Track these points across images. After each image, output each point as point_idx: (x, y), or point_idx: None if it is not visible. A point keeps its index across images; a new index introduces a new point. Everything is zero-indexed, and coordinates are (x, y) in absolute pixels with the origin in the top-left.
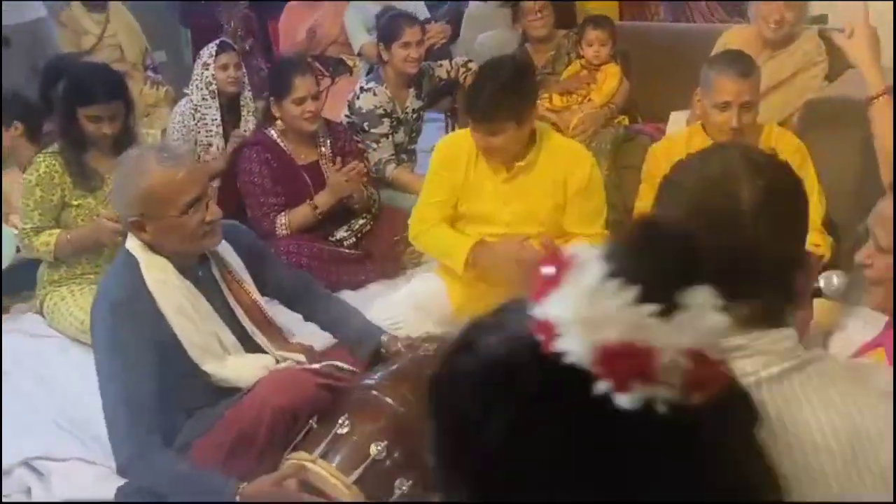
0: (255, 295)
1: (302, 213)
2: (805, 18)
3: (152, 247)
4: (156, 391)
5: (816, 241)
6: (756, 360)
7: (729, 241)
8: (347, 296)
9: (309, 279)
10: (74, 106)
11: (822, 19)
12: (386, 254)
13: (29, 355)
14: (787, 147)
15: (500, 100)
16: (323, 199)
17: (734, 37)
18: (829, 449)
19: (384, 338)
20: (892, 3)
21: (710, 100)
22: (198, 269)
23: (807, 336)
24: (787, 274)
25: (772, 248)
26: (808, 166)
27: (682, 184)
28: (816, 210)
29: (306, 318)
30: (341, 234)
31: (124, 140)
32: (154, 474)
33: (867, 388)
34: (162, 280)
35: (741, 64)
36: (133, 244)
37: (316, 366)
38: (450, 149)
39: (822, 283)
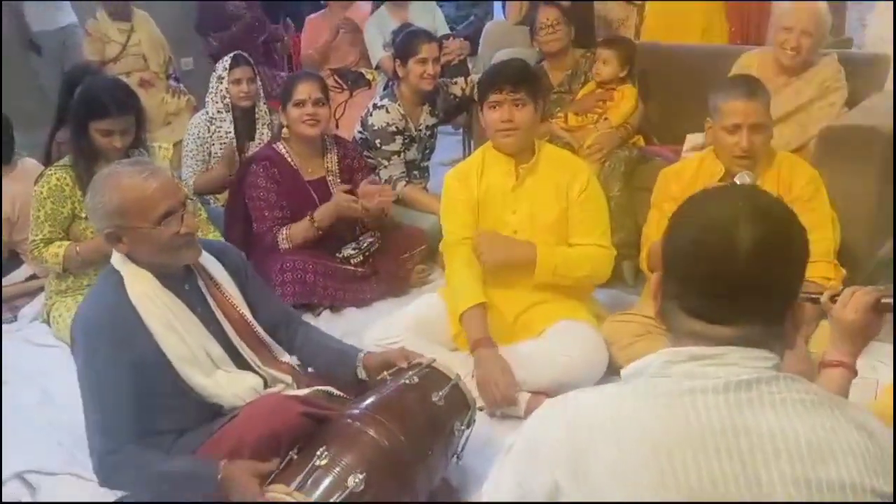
0: (244, 310)
1: (301, 227)
2: (823, 45)
3: (134, 260)
4: (133, 412)
5: (828, 273)
6: (729, 368)
7: (722, 274)
8: (352, 313)
9: (292, 312)
10: (86, 120)
11: (846, 43)
12: (393, 272)
13: (31, 364)
14: (801, 176)
15: (529, 71)
16: (321, 213)
17: (752, 60)
18: (788, 453)
19: (358, 362)
20: (892, 2)
21: (720, 123)
22: (183, 282)
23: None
24: (774, 310)
25: (761, 286)
26: (821, 196)
27: (688, 220)
28: (828, 241)
29: (287, 350)
30: (349, 251)
31: (136, 153)
32: (132, 482)
33: (841, 412)
34: (145, 293)
35: (747, 86)
36: (116, 259)
37: (303, 391)
38: (459, 171)
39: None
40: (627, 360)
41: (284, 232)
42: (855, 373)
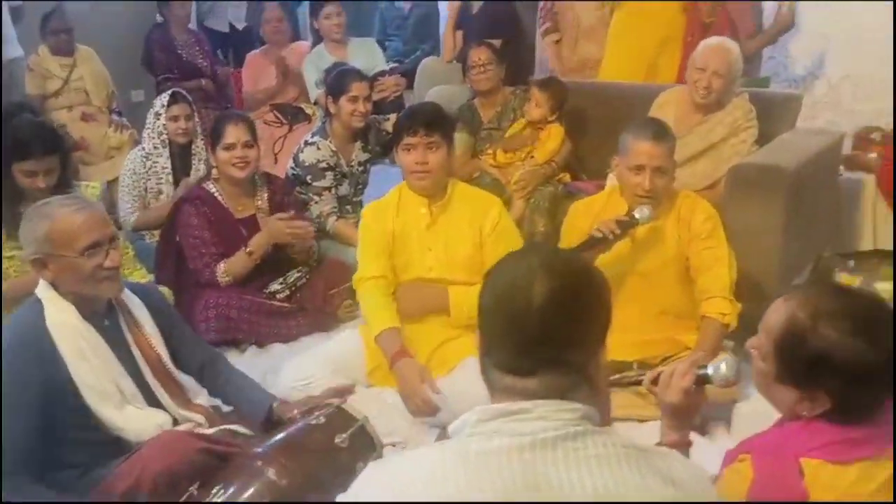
0: (161, 350)
1: (238, 260)
2: (736, 85)
3: (57, 290)
4: (35, 438)
5: (723, 308)
6: (535, 423)
7: (520, 328)
8: (278, 348)
9: (215, 354)
10: (9, 160)
11: (763, 82)
12: (320, 307)
13: None
14: (699, 214)
15: (443, 115)
16: (257, 243)
17: (670, 97)
18: None
19: (275, 404)
20: (892, 3)
21: (626, 163)
22: (104, 318)
23: (689, 415)
24: (575, 360)
25: (558, 338)
26: (718, 234)
27: (493, 279)
28: (725, 278)
29: (210, 393)
30: (275, 286)
31: (60, 193)
32: None
33: (647, 465)
34: (63, 321)
35: (655, 129)
36: (40, 287)
37: (210, 430)
38: (376, 206)
39: (710, 372)
40: None
41: (222, 266)
42: (690, 443)
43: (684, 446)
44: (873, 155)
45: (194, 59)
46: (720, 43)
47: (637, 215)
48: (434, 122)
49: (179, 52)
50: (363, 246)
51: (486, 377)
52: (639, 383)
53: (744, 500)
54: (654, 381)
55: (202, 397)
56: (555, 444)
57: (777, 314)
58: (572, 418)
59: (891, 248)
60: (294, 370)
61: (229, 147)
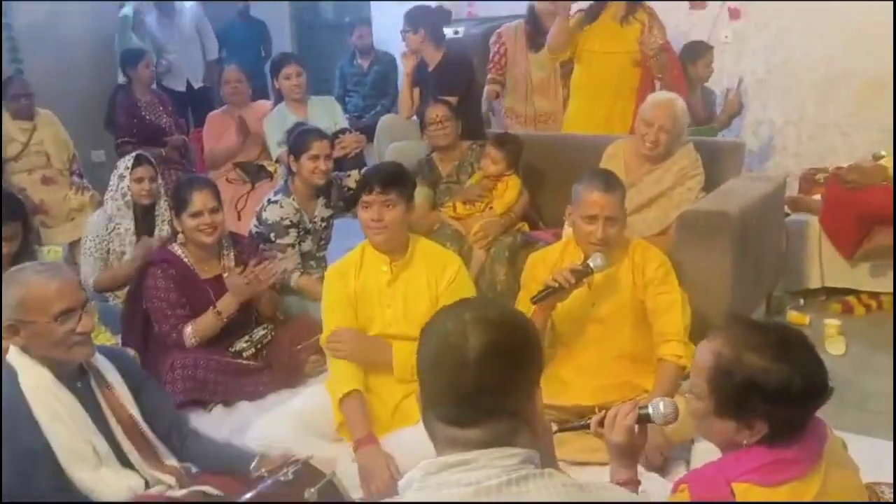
0: (133, 411)
1: (207, 321)
2: (683, 137)
3: (30, 354)
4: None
5: (678, 351)
6: (480, 472)
7: (459, 381)
8: (245, 406)
9: (183, 420)
10: None
11: (709, 132)
12: (287, 364)
13: None
14: (652, 261)
15: (399, 174)
16: (225, 303)
17: (620, 148)
18: None
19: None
20: (892, 2)
21: (579, 212)
22: (76, 381)
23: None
24: (513, 406)
25: (495, 388)
26: (671, 279)
27: (429, 334)
28: (679, 321)
29: (177, 456)
30: (241, 345)
31: (22, 258)
32: None
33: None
34: (38, 385)
35: (606, 180)
36: (12, 353)
37: (181, 492)
38: (338, 268)
39: (650, 411)
40: None
41: (189, 328)
42: (638, 482)
43: (633, 485)
44: (817, 197)
45: (158, 119)
46: (667, 98)
47: (591, 264)
48: (390, 180)
49: (143, 113)
50: (326, 308)
51: (429, 430)
52: (587, 427)
53: None
54: (601, 424)
55: (173, 458)
56: (499, 490)
57: (704, 355)
58: (514, 464)
59: (837, 284)
60: (261, 429)
61: (196, 214)
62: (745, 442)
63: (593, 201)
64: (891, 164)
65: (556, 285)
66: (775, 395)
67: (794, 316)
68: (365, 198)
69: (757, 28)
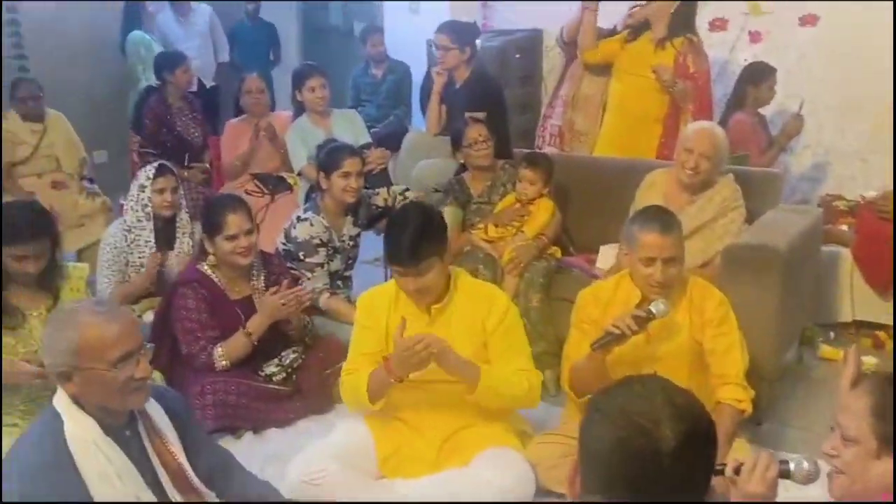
0: (182, 459)
1: (237, 342)
2: (723, 166)
3: (78, 402)
4: None
5: (738, 395)
6: None
7: (648, 475)
8: (275, 434)
9: (228, 456)
10: None
11: (742, 160)
12: (316, 388)
13: None
14: (711, 300)
15: (421, 239)
16: (255, 323)
17: (658, 178)
18: None
19: None
20: (892, 2)
21: (636, 255)
22: (125, 429)
23: None
24: (698, 492)
25: (686, 479)
26: (730, 320)
27: (608, 418)
28: (739, 364)
29: (220, 496)
30: (271, 368)
31: (49, 276)
32: None
33: None
34: (85, 441)
35: (663, 221)
36: (60, 400)
37: None
38: (371, 300)
39: (791, 467)
40: (554, 482)
41: (219, 350)
42: None
43: None
44: (844, 227)
45: (186, 129)
46: (707, 127)
47: (654, 310)
48: (412, 256)
49: (173, 120)
50: (355, 340)
51: None
52: (721, 473)
53: None
54: (736, 471)
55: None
56: None
57: (858, 399)
58: None
59: (868, 318)
60: (303, 464)
61: (232, 238)
62: None
63: (651, 243)
64: None
65: (618, 332)
66: None
67: (826, 351)
68: (396, 268)
69: (777, 52)
